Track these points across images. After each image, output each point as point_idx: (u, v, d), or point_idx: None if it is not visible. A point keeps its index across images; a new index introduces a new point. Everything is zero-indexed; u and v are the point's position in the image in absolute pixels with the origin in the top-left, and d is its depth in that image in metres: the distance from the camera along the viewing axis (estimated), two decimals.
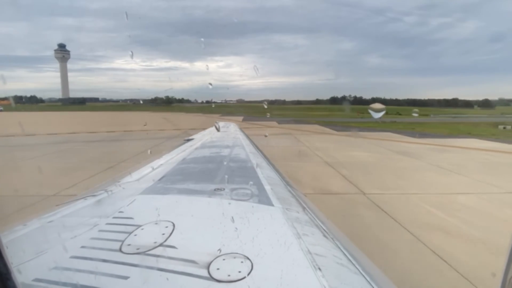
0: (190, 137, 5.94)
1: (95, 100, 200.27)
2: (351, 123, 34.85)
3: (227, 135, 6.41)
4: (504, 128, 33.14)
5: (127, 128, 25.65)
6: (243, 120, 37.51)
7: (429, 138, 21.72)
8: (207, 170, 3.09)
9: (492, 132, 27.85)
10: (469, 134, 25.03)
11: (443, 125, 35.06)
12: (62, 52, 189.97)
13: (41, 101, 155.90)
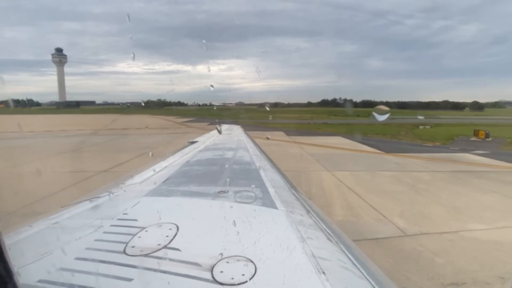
0: (194, 140, 6.00)
1: (92, 103, 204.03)
2: (282, 124, 38.44)
3: (231, 137, 6.49)
4: (424, 127, 36.25)
5: (53, 129, 29.56)
6: (184, 122, 41.63)
7: (300, 136, 25.05)
8: (211, 173, 3.12)
9: (385, 131, 31.17)
10: (352, 134, 28.40)
11: (358, 126, 38.20)
12: (59, 56, 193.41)
13: (37, 104, 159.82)
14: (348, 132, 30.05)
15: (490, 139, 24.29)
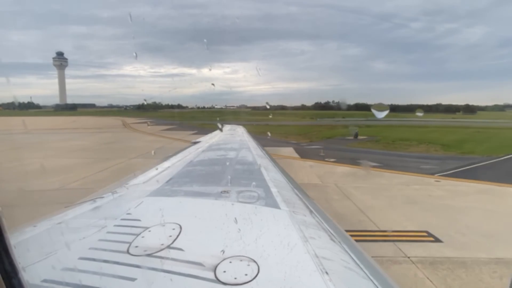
0: (197, 140, 6.05)
1: (92, 106, 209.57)
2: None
3: (234, 137, 6.56)
4: (357, 132, 37.78)
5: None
6: (133, 123, 45.76)
7: (203, 134, 27.74)
8: (214, 173, 3.15)
9: (298, 131, 34.09)
10: (260, 133, 31.50)
11: (290, 127, 41.14)
12: (60, 60, 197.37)
13: (38, 107, 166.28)
14: (259, 131, 33.17)
15: (360, 137, 27.32)
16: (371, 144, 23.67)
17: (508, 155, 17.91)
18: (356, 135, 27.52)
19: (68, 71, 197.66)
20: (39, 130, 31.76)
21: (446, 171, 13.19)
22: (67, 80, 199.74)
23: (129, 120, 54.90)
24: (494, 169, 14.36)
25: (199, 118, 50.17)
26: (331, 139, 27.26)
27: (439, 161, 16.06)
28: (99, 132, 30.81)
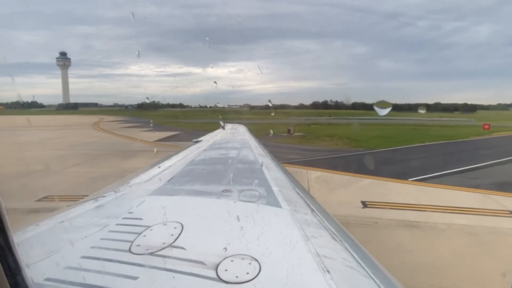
0: (199, 139, 6.14)
1: (94, 105, 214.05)
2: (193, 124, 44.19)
3: (235, 136, 6.63)
4: (289, 129, 37.81)
5: None
6: (108, 121, 48.33)
7: (157, 131, 29.71)
8: (216, 172, 3.17)
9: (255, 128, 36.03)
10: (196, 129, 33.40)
11: (252, 125, 43.14)
12: (63, 60, 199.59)
13: (41, 106, 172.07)
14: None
15: (297, 134, 29.32)
16: (291, 139, 25.65)
17: (388, 148, 19.94)
18: (289, 131, 29.60)
19: (74, 71, 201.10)
20: (8, 127, 34.44)
21: (300, 159, 15.16)
22: (73, 80, 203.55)
23: (110, 118, 57.85)
24: (341, 159, 16.30)
25: (187, 117, 51.79)
26: (268, 135, 29.26)
27: (315, 152, 17.85)
28: (61, 129, 33.01)
